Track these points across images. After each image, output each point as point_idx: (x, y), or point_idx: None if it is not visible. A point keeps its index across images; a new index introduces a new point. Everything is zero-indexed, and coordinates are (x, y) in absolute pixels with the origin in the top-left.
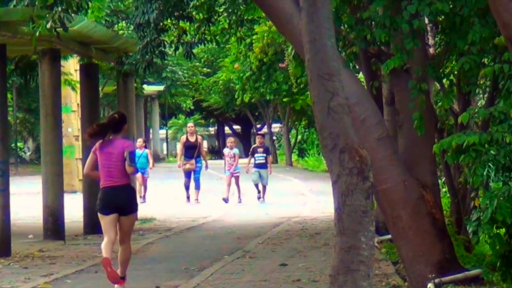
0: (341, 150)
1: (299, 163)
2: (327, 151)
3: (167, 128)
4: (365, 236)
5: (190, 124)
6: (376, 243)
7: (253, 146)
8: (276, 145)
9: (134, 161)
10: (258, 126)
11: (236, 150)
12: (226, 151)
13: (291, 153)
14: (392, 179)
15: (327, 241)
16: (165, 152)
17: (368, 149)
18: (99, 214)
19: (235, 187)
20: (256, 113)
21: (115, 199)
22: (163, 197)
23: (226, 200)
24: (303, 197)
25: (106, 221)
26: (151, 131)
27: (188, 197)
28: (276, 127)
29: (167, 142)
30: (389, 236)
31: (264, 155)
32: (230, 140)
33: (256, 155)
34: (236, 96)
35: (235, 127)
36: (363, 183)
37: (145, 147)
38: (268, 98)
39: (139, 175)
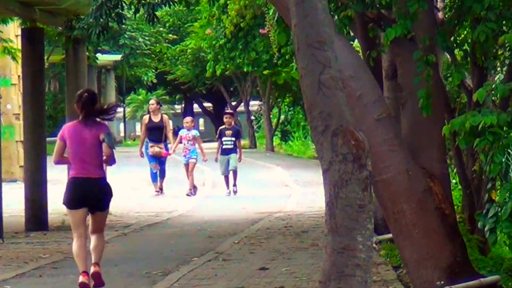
0: (333, 132)
1: (282, 148)
2: (317, 134)
3: (124, 105)
4: (361, 235)
5: (152, 101)
6: (375, 244)
7: (220, 128)
8: (255, 127)
9: (112, 142)
10: (234, 103)
11: (195, 132)
12: (182, 132)
13: (272, 136)
14: (393, 168)
15: (315, 241)
16: (122, 134)
17: (366, 131)
18: (66, 209)
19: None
20: (231, 88)
21: (87, 193)
22: (119, 188)
23: (190, 194)
24: (286, 188)
25: (75, 216)
26: None
27: (159, 189)
28: (254, 105)
29: (124, 122)
30: (390, 236)
31: (233, 138)
32: (186, 120)
33: (223, 138)
34: (207, 68)
35: (206, 104)
36: (359, 172)
37: None
38: (245, 70)
39: None
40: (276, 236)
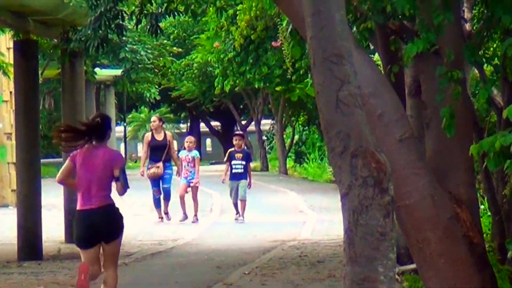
0: (352, 154)
1: (296, 170)
2: (334, 156)
3: (125, 124)
4: (383, 265)
5: (154, 117)
6: (397, 275)
7: (229, 150)
8: (267, 148)
9: (127, 181)
10: (244, 122)
11: (195, 153)
12: (182, 154)
13: (285, 157)
14: (417, 192)
15: (332, 272)
16: (122, 154)
17: (387, 153)
18: (77, 246)
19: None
20: (241, 106)
21: (95, 226)
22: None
23: (184, 218)
24: (301, 215)
25: (87, 256)
26: None
27: (162, 217)
28: (266, 124)
29: (125, 142)
30: (414, 266)
31: (243, 162)
32: (188, 140)
33: (233, 162)
34: (215, 84)
35: (214, 123)
36: (380, 196)
37: None
38: (256, 86)
39: None
40: (290, 266)
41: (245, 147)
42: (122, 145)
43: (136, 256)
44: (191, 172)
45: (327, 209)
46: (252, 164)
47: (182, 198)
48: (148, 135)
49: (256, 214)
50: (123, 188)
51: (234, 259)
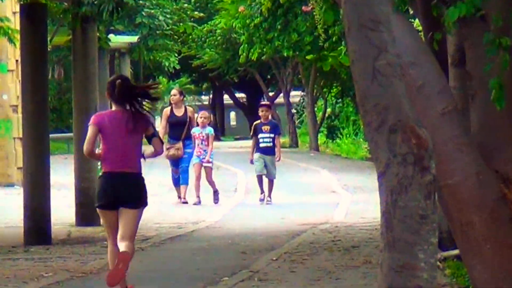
0: (390, 128)
1: (328, 147)
2: (370, 131)
3: None
4: (424, 251)
5: (174, 91)
6: (439, 261)
7: (255, 123)
8: (296, 122)
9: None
10: (271, 94)
11: (209, 130)
12: (195, 131)
13: (317, 133)
14: (461, 171)
15: (368, 258)
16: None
17: (429, 127)
18: (98, 210)
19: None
20: (268, 76)
21: (122, 187)
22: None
23: (198, 202)
24: (334, 195)
25: (109, 218)
26: None
27: (179, 196)
28: (296, 95)
29: None
30: (457, 252)
31: (271, 135)
32: (202, 115)
33: (260, 135)
34: (240, 52)
35: (239, 95)
36: (421, 175)
37: None
38: (285, 54)
39: None
40: (321, 252)
41: (273, 119)
42: None
43: (154, 240)
44: (205, 151)
45: (362, 189)
46: (281, 139)
47: (197, 180)
48: (167, 110)
49: (285, 194)
50: (162, 144)
51: (260, 244)
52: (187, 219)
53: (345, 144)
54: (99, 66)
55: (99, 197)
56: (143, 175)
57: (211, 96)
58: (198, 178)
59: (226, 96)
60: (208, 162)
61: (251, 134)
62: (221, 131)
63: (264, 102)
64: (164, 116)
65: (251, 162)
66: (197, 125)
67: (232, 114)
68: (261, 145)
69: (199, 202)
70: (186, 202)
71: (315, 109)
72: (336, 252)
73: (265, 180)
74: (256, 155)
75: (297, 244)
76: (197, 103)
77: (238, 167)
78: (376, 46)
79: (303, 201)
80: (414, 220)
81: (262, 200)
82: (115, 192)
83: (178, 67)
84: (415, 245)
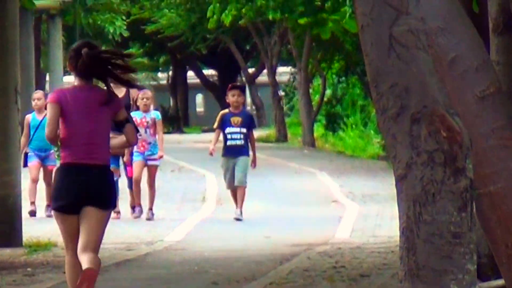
0: (413, 117)
1: (327, 141)
2: (387, 120)
3: None
4: (457, 281)
5: None
6: None
7: (222, 112)
8: (285, 108)
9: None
10: (251, 71)
11: (156, 114)
12: (136, 115)
13: (312, 123)
14: (507, 174)
15: None
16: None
17: (464, 116)
18: (54, 213)
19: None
20: (248, 47)
21: (86, 183)
22: None
23: (136, 211)
24: (336, 206)
25: (69, 224)
26: (47, 77)
27: (134, 207)
28: (284, 73)
29: None
30: (501, 282)
31: (243, 130)
32: (144, 96)
33: (228, 130)
34: (208, 14)
35: (208, 72)
36: (454, 180)
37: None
38: (270, 18)
39: (35, 163)
40: (319, 282)
41: (245, 108)
42: None
43: None
44: (149, 143)
45: (373, 199)
46: (258, 132)
47: (137, 183)
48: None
49: (269, 205)
50: (136, 132)
51: (237, 272)
52: (138, 237)
53: (351, 138)
54: (20, 33)
55: (57, 196)
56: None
57: (170, 73)
58: (137, 181)
59: (190, 74)
60: (155, 159)
61: (215, 124)
62: (183, 121)
63: (236, 84)
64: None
65: (211, 153)
66: (137, 108)
67: (199, 98)
68: (229, 143)
69: (141, 212)
70: (118, 212)
71: (310, 91)
72: (339, 282)
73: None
74: (223, 160)
75: (287, 272)
76: (151, 83)
77: (207, 169)
78: (393, 6)
79: (294, 214)
80: (445, 240)
81: (239, 216)
82: (77, 190)
83: (126, 34)
84: (446, 273)
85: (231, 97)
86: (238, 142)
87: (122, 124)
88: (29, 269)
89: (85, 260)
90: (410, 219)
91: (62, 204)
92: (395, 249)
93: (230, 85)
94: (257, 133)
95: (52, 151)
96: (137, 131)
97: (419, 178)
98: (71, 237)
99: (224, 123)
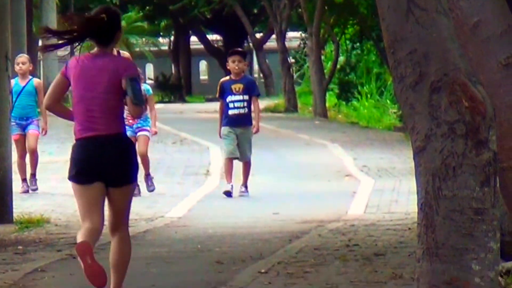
0: (433, 86)
1: (340, 111)
2: (405, 89)
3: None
4: (479, 261)
5: None
6: (500, 276)
7: (222, 80)
8: (295, 76)
9: (141, 95)
10: (259, 36)
11: (146, 88)
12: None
13: (325, 91)
14: None
15: (398, 271)
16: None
17: (487, 85)
18: (72, 185)
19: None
20: (255, 11)
21: (100, 158)
22: (64, 177)
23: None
24: (349, 181)
25: (85, 195)
26: (40, 42)
27: None
28: (295, 38)
29: None
30: None
31: (245, 97)
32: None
33: (229, 98)
34: None
35: (212, 37)
36: (476, 153)
37: (32, 74)
38: None
39: (17, 136)
40: (331, 261)
41: (247, 74)
42: None
43: None
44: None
45: (389, 173)
46: (266, 102)
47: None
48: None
49: (278, 180)
50: (135, 105)
51: (243, 251)
52: (138, 213)
53: (365, 108)
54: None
55: (73, 165)
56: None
57: (172, 38)
58: (143, 157)
59: (194, 39)
60: (145, 129)
61: (217, 95)
62: (186, 89)
63: (237, 49)
64: None
65: (220, 136)
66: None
67: (203, 65)
68: (231, 112)
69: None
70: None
71: (322, 57)
72: (352, 262)
73: (237, 164)
74: (224, 130)
75: (297, 251)
76: (152, 48)
77: (211, 140)
78: None
79: (304, 189)
80: (466, 217)
81: (229, 194)
82: (91, 162)
83: None
84: (467, 252)
85: (232, 63)
86: (242, 111)
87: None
88: (20, 247)
89: (116, 243)
90: (429, 194)
91: (79, 171)
92: (413, 227)
93: (230, 51)
94: (265, 103)
95: (35, 118)
96: (141, 103)
97: (438, 151)
98: (88, 210)
99: (225, 92)
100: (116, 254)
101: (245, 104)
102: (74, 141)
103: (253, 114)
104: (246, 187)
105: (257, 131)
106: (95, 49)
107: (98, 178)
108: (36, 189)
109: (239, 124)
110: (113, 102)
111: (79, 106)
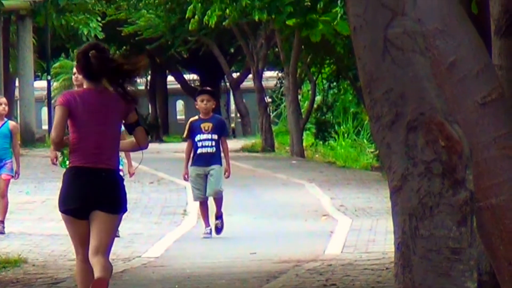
0: (409, 125)
1: (317, 151)
2: (381, 128)
3: (50, 77)
4: None
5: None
6: None
7: (191, 120)
8: (272, 115)
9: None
10: (236, 76)
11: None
12: None
13: (302, 131)
14: (510, 186)
15: None
16: (45, 126)
17: (464, 124)
18: (63, 217)
19: None
20: (232, 50)
21: (96, 187)
22: (41, 217)
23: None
24: (326, 221)
25: (78, 228)
26: (17, 82)
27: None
28: (271, 78)
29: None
30: None
31: (214, 136)
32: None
33: (197, 137)
34: (188, 15)
35: (189, 77)
36: (453, 193)
37: (8, 116)
38: (256, 19)
39: None
40: None
41: (215, 113)
42: (45, 110)
43: (67, 285)
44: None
45: (366, 212)
46: (243, 141)
47: None
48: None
49: (255, 219)
50: (148, 134)
51: None
52: (115, 253)
53: (342, 148)
54: None
55: (65, 199)
56: None
57: (149, 78)
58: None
59: (170, 78)
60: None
61: (185, 134)
62: (163, 128)
63: (205, 88)
64: None
65: (185, 178)
66: None
67: (180, 104)
68: (199, 151)
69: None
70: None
71: (299, 97)
72: None
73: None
74: (192, 172)
75: None
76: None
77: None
78: (388, 7)
79: (282, 229)
80: (443, 256)
81: (209, 234)
82: (86, 194)
83: (101, 36)
84: None
85: (200, 102)
86: (210, 150)
87: (132, 127)
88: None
89: (97, 267)
90: (405, 234)
91: (71, 208)
92: (390, 266)
93: (198, 90)
94: (242, 142)
95: (9, 160)
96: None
97: (415, 190)
98: (81, 241)
99: (194, 131)
100: (95, 277)
101: (214, 143)
102: (71, 168)
103: (222, 154)
104: (221, 219)
105: (229, 175)
106: (87, 84)
107: (91, 210)
108: (3, 233)
109: (208, 163)
110: (114, 134)
111: (81, 135)
